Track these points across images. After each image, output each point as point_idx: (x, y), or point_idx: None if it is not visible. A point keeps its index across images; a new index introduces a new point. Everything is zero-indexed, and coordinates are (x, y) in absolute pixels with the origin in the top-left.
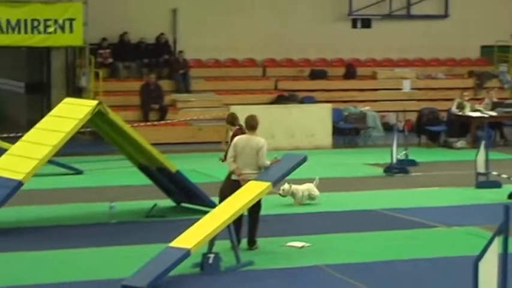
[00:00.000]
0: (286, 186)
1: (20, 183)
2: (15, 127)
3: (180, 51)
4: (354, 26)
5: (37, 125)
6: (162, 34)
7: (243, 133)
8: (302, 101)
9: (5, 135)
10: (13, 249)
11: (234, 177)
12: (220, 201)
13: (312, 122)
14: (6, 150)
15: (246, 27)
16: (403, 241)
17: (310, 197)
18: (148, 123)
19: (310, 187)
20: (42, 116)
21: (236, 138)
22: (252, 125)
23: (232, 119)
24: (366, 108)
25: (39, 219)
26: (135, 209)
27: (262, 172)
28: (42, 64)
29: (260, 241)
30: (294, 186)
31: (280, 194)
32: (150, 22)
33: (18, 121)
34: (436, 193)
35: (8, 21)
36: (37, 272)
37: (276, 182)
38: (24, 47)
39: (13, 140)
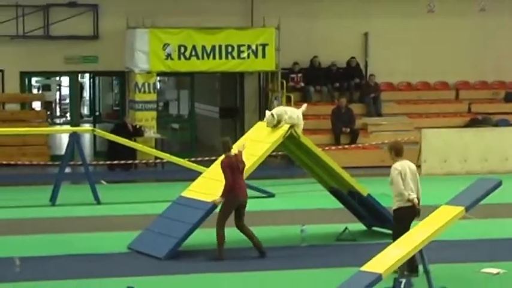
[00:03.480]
0: (268, 115)
1: (213, 206)
2: (210, 151)
3: (371, 75)
4: None
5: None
6: (353, 58)
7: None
8: (496, 124)
9: (200, 158)
10: (205, 270)
11: (407, 204)
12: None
13: (507, 145)
14: (201, 173)
15: (437, 51)
16: None
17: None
18: (339, 147)
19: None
20: (235, 140)
21: (399, 166)
22: (402, 149)
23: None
24: None
25: (232, 241)
26: (326, 232)
27: (455, 197)
28: (236, 89)
29: (453, 267)
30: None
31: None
32: (341, 46)
33: (212, 145)
34: None
35: (204, 48)
36: None
37: (470, 207)
38: (218, 72)
39: (207, 164)
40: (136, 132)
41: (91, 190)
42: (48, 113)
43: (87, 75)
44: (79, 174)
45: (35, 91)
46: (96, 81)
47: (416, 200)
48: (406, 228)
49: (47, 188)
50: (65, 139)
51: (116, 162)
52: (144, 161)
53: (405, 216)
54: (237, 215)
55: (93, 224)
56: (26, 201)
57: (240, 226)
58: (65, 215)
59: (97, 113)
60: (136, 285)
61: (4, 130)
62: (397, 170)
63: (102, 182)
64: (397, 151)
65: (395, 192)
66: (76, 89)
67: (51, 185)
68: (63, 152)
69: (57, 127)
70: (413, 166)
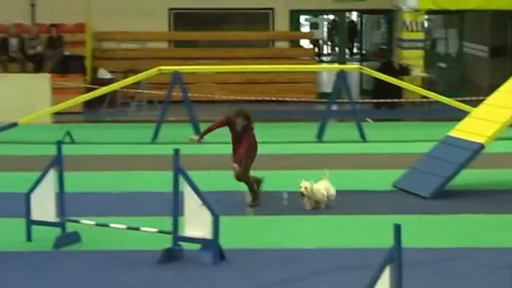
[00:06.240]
0: (307, 184)
1: (481, 146)
2: (478, 90)
3: None
4: None
5: (500, 88)
6: None
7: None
8: None
9: (468, 98)
10: (471, 211)
11: None
12: None
13: None
14: (468, 113)
15: None
16: None
17: (329, 198)
18: None
19: (326, 185)
20: (505, 80)
21: None
22: None
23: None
24: None
25: (500, 182)
26: None
27: None
28: (508, 27)
29: None
30: (315, 186)
31: (301, 193)
32: None
33: (480, 84)
34: None
35: None
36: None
37: None
38: (489, 10)
39: (475, 103)
40: (402, 71)
41: (357, 128)
42: (316, 50)
43: (355, 14)
44: (345, 112)
45: (303, 29)
46: (364, 20)
47: None
48: None
49: (314, 125)
50: (332, 77)
51: (382, 100)
52: (410, 100)
53: None
54: None
55: (359, 161)
56: (293, 137)
57: None
58: (331, 151)
59: (364, 51)
60: (402, 223)
61: (273, 67)
62: None
63: (368, 120)
64: None
65: None
66: (344, 27)
67: (318, 122)
68: (330, 89)
69: (325, 65)
70: None
